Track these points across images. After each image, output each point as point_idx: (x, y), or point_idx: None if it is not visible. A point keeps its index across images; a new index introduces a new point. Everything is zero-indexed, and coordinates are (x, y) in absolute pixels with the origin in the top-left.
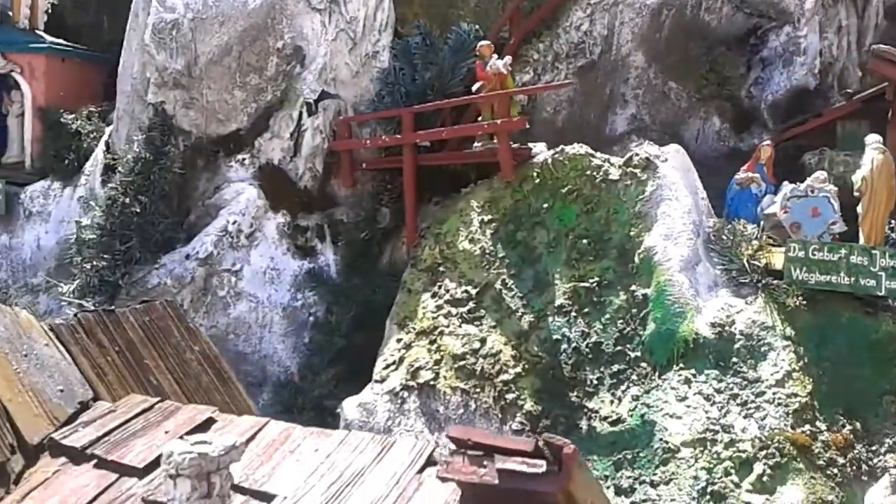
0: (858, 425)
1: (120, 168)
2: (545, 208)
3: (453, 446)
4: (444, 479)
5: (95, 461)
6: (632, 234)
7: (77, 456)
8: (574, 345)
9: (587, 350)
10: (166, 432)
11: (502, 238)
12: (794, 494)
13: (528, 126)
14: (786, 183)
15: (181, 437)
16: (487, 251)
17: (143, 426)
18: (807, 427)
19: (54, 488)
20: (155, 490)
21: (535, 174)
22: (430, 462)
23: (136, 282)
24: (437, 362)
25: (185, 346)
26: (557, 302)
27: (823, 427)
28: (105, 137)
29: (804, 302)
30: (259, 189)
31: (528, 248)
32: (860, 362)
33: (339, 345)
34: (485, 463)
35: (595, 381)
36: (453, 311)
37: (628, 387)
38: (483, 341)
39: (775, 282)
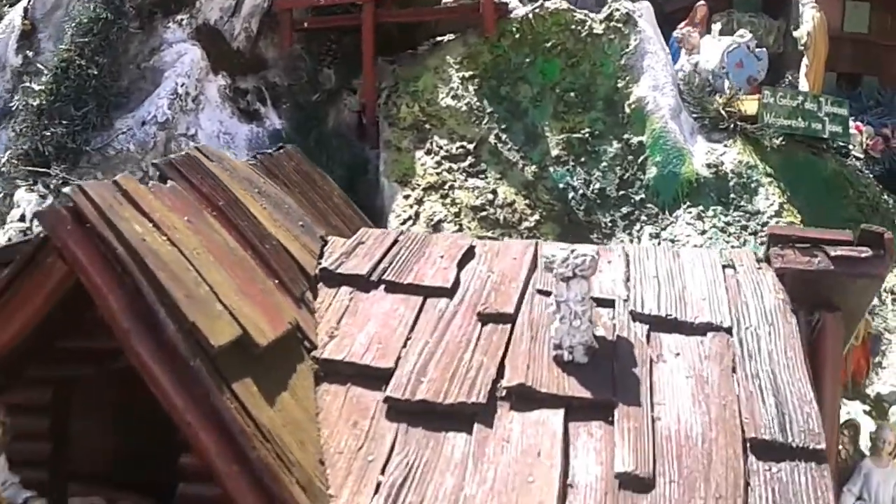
0: None
1: (71, 31)
2: (527, 63)
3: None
4: (780, 271)
5: (385, 286)
6: (619, 86)
7: (364, 284)
8: (581, 192)
9: (594, 196)
10: (441, 257)
11: (486, 94)
12: None
13: None
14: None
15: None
16: (474, 107)
17: (410, 254)
18: None
19: (364, 314)
20: (486, 303)
21: (513, 29)
22: (725, 266)
23: (99, 148)
24: (457, 215)
25: (329, 190)
26: (553, 153)
27: None
28: (23, 3)
29: (783, 143)
30: (201, 50)
31: (513, 102)
32: (821, 196)
33: None
34: (815, 253)
35: (609, 224)
36: (454, 166)
37: (641, 226)
38: (494, 193)
39: (750, 126)
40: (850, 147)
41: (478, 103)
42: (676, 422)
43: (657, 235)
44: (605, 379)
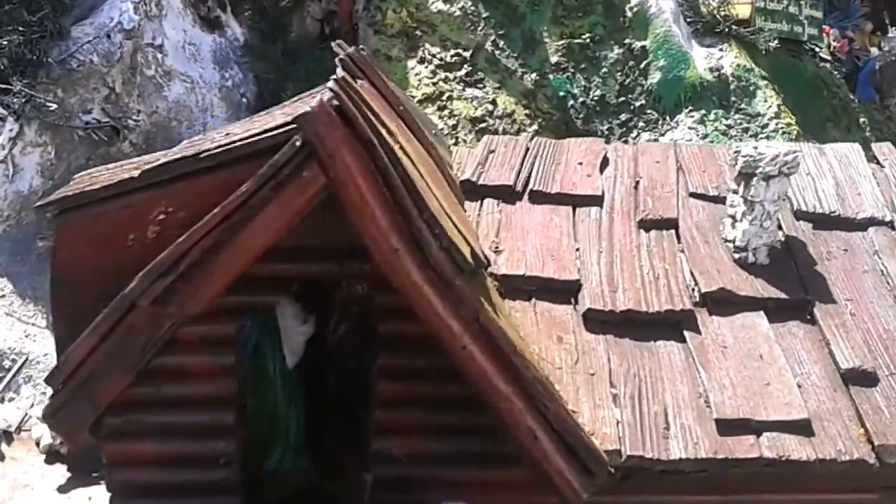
0: None
1: None
2: None
3: None
4: None
5: (529, 196)
6: None
7: (508, 195)
8: (581, 100)
9: (593, 104)
10: (580, 164)
11: None
12: None
13: None
14: None
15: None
16: (469, 11)
17: (546, 163)
18: None
19: (520, 226)
20: (644, 209)
21: None
22: (870, 160)
23: (61, 60)
24: (454, 127)
25: (403, 98)
26: (553, 60)
27: None
28: None
29: (778, 46)
30: None
31: (510, 7)
32: (804, 98)
33: None
34: None
35: (606, 132)
36: (450, 75)
37: (639, 134)
38: (494, 103)
39: (743, 30)
40: (818, 49)
41: (472, 8)
42: (870, 317)
43: (655, 142)
44: (792, 279)
